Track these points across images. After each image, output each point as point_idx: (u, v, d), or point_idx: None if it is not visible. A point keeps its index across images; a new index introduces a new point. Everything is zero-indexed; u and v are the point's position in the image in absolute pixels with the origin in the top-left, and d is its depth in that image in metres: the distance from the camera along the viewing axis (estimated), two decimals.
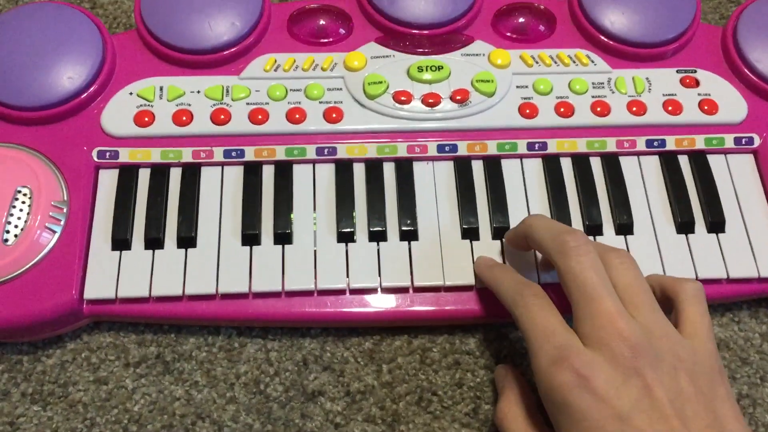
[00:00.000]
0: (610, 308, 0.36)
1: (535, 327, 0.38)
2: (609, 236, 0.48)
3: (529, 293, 0.39)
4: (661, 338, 0.36)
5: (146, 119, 0.49)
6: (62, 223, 0.45)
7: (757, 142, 0.51)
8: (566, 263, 0.38)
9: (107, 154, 0.48)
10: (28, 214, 0.45)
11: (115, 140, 0.49)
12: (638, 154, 0.51)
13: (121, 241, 0.46)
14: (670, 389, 0.34)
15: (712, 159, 0.51)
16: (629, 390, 0.34)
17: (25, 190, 0.46)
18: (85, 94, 0.49)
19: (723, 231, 0.48)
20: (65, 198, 0.46)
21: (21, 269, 0.44)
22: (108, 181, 0.48)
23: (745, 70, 0.53)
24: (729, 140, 0.51)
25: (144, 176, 0.48)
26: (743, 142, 0.51)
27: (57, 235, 0.45)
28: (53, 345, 0.46)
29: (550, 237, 0.40)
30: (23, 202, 0.45)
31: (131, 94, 0.50)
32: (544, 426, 0.39)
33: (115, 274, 0.45)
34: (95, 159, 0.48)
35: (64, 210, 0.46)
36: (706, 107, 0.52)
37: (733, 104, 0.52)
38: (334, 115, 0.50)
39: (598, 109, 0.51)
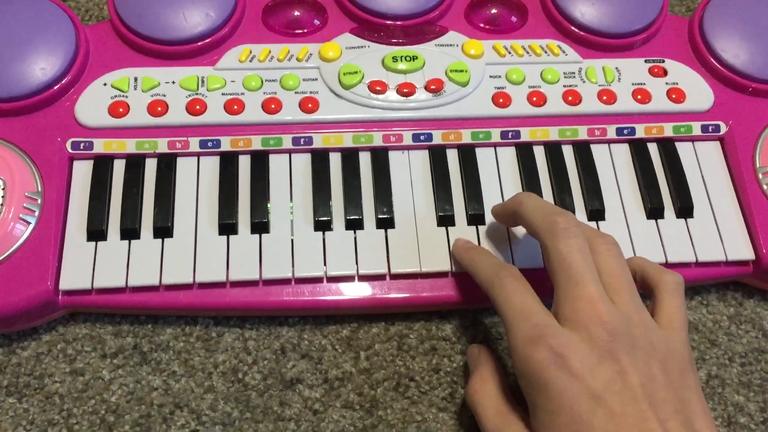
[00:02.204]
0: (593, 292, 0.36)
1: (512, 307, 0.38)
2: (582, 222, 0.49)
3: (506, 275, 0.40)
4: (637, 326, 0.37)
5: (121, 110, 0.49)
6: (36, 214, 0.45)
7: (723, 129, 0.52)
8: (554, 244, 0.38)
9: (81, 144, 0.48)
10: (1, 205, 0.45)
11: (90, 131, 0.48)
12: (609, 141, 0.52)
13: (96, 232, 0.46)
14: (642, 374, 0.35)
15: (680, 146, 0.52)
16: (603, 371, 0.35)
17: None
18: (58, 85, 0.49)
19: (691, 216, 0.50)
20: (39, 189, 0.46)
21: None
22: (83, 172, 0.48)
23: (712, 60, 0.54)
24: (696, 128, 0.52)
25: (119, 167, 0.48)
26: (710, 130, 0.52)
27: (31, 227, 0.45)
28: (28, 337, 0.46)
29: (540, 216, 0.40)
30: None
31: (105, 84, 0.50)
32: (515, 405, 0.40)
33: (90, 265, 0.45)
34: (69, 150, 0.48)
35: (38, 201, 0.46)
36: (674, 96, 0.53)
37: (700, 93, 0.53)
38: (309, 105, 0.50)
39: (570, 98, 0.52)
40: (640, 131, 0.52)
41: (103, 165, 0.48)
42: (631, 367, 0.35)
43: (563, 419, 0.34)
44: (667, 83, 0.54)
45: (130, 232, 0.46)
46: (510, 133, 0.51)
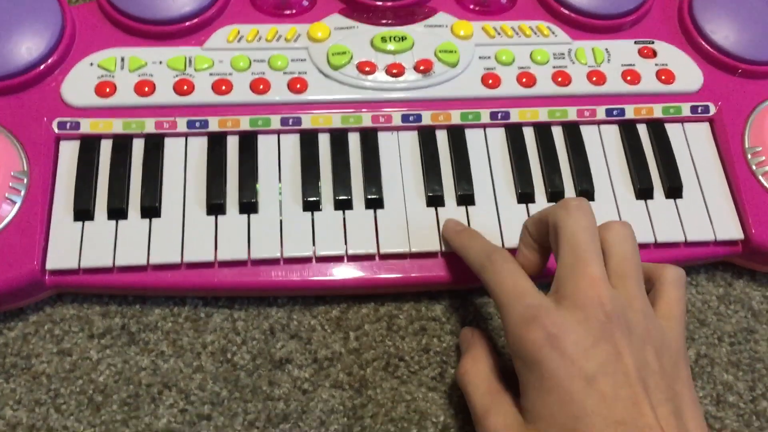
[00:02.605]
0: (595, 273, 0.36)
1: (505, 289, 0.38)
2: None
3: (498, 257, 0.40)
4: (636, 312, 0.36)
5: (107, 90, 0.49)
6: (22, 194, 0.45)
7: (712, 110, 0.52)
8: (564, 219, 0.38)
9: (68, 124, 0.48)
10: None
11: (76, 111, 0.48)
12: (598, 122, 0.52)
13: (83, 212, 0.45)
14: (637, 358, 0.35)
15: (669, 127, 0.52)
16: (598, 353, 0.34)
17: None
18: (44, 65, 0.48)
19: (680, 197, 0.50)
20: (25, 169, 0.46)
21: None
22: (69, 152, 0.47)
23: (701, 41, 0.54)
24: (686, 109, 0.52)
25: (106, 147, 0.48)
26: (699, 111, 0.52)
27: (17, 206, 0.44)
28: (15, 318, 0.45)
29: (557, 204, 0.40)
30: None
31: (92, 65, 0.50)
32: (506, 386, 0.40)
33: (77, 245, 0.44)
34: (56, 130, 0.47)
35: (24, 181, 0.45)
36: (663, 77, 0.53)
37: (689, 74, 0.54)
38: (298, 86, 0.50)
39: (559, 79, 0.52)
40: (630, 112, 0.52)
41: (90, 145, 0.47)
42: (627, 350, 0.35)
43: (554, 398, 0.34)
44: (656, 64, 0.54)
45: (118, 211, 0.45)
46: (499, 114, 0.51)
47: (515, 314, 0.36)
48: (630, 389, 0.34)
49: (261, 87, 0.50)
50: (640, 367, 0.35)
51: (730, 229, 0.49)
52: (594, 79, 0.52)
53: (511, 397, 0.39)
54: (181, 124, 0.48)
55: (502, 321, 0.38)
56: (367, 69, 0.51)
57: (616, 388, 0.34)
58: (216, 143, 0.48)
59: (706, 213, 0.49)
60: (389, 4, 0.53)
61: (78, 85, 0.49)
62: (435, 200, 0.48)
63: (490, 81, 0.51)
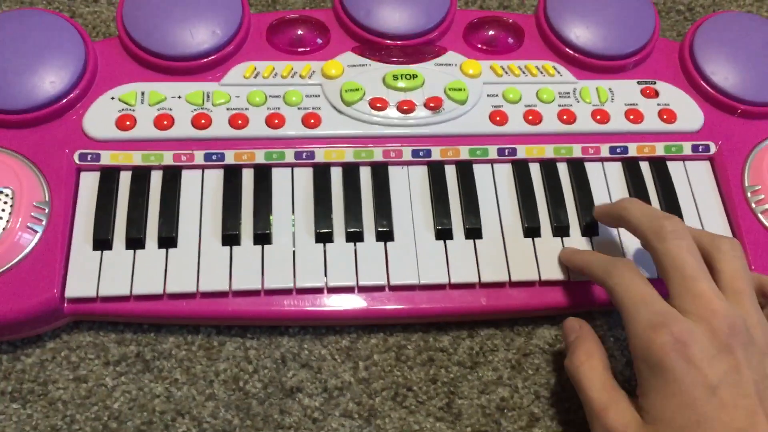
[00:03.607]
0: (707, 289, 0.38)
1: (632, 295, 0.39)
2: (575, 237, 0.50)
3: (622, 265, 0.42)
4: (755, 326, 0.38)
5: (128, 123, 0.50)
6: (44, 223, 0.46)
7: (713, 149, 0.54)
8: (665, 246, 0.40)
9: (89, 156, 0.49)
10: (9, 214, 0.46)
11: (97, 143, 0.50)
12: (602, 160, 0.53)
13: (102, 241, 0.47)
14: (756, 371, 0.36)
15: (671, 165, 0.54)
16: (721, 363, 0.36)
17: (7, 191, 0.46)
18: (67, 99, 0.50)
19: None
20: (47, 199, 0.47)
21: (2, 268, 0.44)
22: (89, 183, 0.49)
23: (702, 82, 0.56)
24: (687, 147, 0.54)
25: (125, 178, 0.49)
26: (700, 150, 0.54)
27: (38, 235, 0.46)
28: (32, 344, 0.47)
29: (647, 221, 0.42)
30: (5, 203, 0.46)
31: (113, 98, 0.51)
32: (617, 383, 0.40)
33: (96, 273, 0.46)
34: (77, 161, 0.49)
35: (46, 210, 0.47)
36: (665, 116, 0.55)
37: (690, 114, 0.55)
38: (312, 121, 0.52)
39: (565, 117, 0.54)
40: (633, 150, 0.53)
41: (109, 176, 0.49)
42: (746, 363, 0.36)
43: (676, 402, 0.36)
44: (658, 104, 0.55)
45: (136, 241, 0.47)
46: (507, 150, 0.52)
47: (643, 319, 0.38)
48: (748, 400, 0.35)
49: (276, 122, 0.51)
50: (758, 380, 0.36)
51: None
52: (598, 117, 0.54)
53: (626, 395, 0.40)
54: (199, 157, 0.50)
55: (627, 325, 0.39)
56: (378, 105, 0.52)
57: (736, 398, 0.35)
58: (232, 176, 0.50)
59: None
60: (400, 43, 0.55)
61: (99, 118, 0.50)
62: (444, 233, 0.49)
63: (498, 118, 0.53)
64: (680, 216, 0.51)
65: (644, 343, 0.37)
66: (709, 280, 0.39)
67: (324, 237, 0.48)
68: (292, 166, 0.51)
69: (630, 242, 0.50)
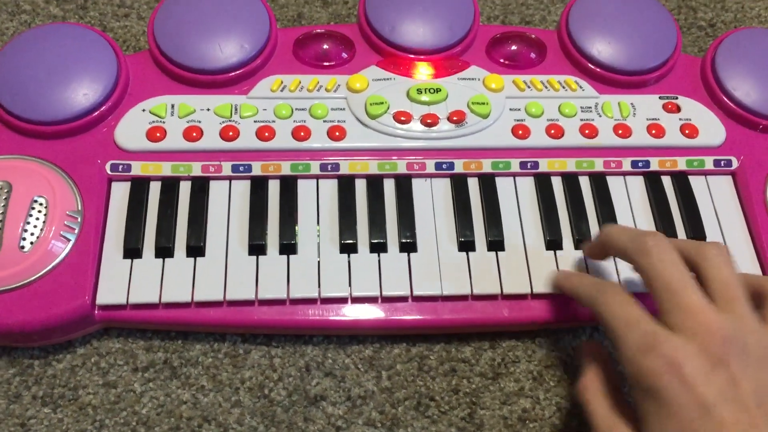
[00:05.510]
0: (696, 301, 0.37)
1: (619, 318, 0.39)
2: None
3: (609, 289, 0.41)
4: (750, 332, 0.37)
5: (158, 134, 0.51)
6: (76, 231, 0.47)
7: (735, 164, 0.54)
8: (648, 261, 0.39)
9: (120, 167, 0.50)
10: (43, 222, 0.47)
11: (128, 154, 0.51)
12: (624, 174, 0.54)
13: (132, 250, 0.48)
14: (754, 380, 0.35)
15: (693, 180, 0.54)
16: (716, 379, 0.35)
17: (41, 200, 0.47)
18: (99, 111, 0.51)
19: None
20: (79, 208, 0.48)
21: (36, 275, 0.46)
22: (120, 193, 0.50)
23: (723, 98, 0.56)
24: (709, 162, 0.54)
25: (155, 188, 0.50)
26: (722, 164, 0.54)
27: (71, 243, 0.47)
28: (63, 350, 0.48)
29: (629, 240, 0.41)
30: (39, 212, 0.47)
31: (144, 110, 0.52)
32: (627, 405, 0.40)
33: (126, 281, 0.47)
34: (108, 172, 0.50)
35: (78, 219, 0.48)
36: (687, 131, 0.55)
37: (712, 129, 0.56)
38: (337, 134, 0.52)
39: (587, 131, 0.54)
40: (655, 164, 0.54)
41: (139, 186, 0.50)
42: (742, 374, 0.35)
43: (674, 425, 0.35)
44: (680, 119, 0.56)
45: (165, 250, 0.48)
46: (529, 164, 0.53)
47: (632, 342, 0.37)
48: (749, 413, 0.34)
49: (302, 134, 0.52)
50: (757, 389, 0.35)
51: None
52: (620, 132, 0.54)
53: (633, 417, 0.39)
54: (226, 168, 0.51)
55: (618, 351, 0.38)
56: (402, 119, 0.53)
57: (735, 414, 0.34)
58: (258, 187, 0.51)
59: None
60: (424, 58, 0.56)
61: (130, 129, 0.52)
62: (466, 245, 0.50)
63: (520, 132, 0.54)
64: (702, 230, 0.51)
65: (635, 368, 0.37)
66: (697, 291, 0.38)
67: (348, 248, 0.49)
68: (317, 177, 0.52)
69: None
